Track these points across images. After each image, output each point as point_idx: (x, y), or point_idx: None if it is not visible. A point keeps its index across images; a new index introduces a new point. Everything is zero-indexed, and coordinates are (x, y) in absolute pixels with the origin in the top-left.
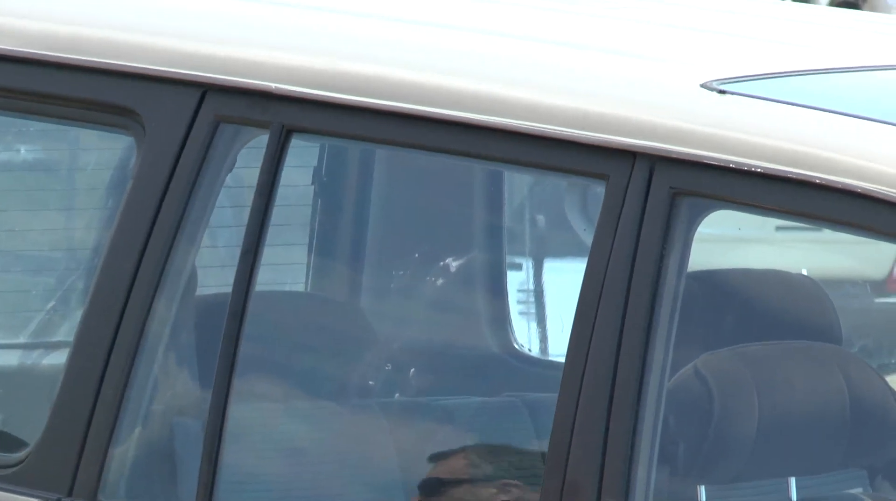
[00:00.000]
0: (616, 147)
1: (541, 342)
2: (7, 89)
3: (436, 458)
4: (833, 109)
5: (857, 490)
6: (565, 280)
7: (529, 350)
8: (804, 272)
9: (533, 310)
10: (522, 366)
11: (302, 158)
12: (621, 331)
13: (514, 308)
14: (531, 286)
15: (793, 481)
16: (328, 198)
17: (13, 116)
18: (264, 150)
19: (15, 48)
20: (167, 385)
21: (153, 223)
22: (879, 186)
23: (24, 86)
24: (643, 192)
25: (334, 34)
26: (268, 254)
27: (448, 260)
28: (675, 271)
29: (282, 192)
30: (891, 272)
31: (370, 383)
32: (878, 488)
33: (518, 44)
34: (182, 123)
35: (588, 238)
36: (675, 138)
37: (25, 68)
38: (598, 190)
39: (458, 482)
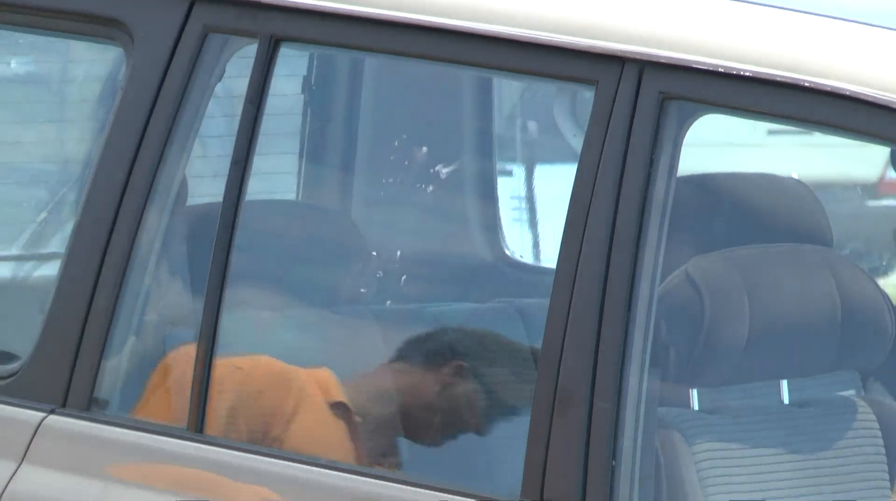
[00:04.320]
0: (605, 52)
1: (532, 247)
2: None
3: (428, 364)
4: (821, 12)
5: (850, 392)
6: (556, 186)
7: (521, 256)
8: (795, 176)
9: (524, 216)
10: (514, 272)
11: (291, 67)
12: (612, 236)
13: (506, 215)
14: (522, 193)
15: (784, 383)
16: (318, 107)
17: (3, 29)
18: (253, 59)
19: None
20: (159, 296)
21: (143, 134)
22: (868, 89)
23: None
24: (632, 96)
25: None
26: (258, 163)
27: (439, 167)
28: (664, 176)
29: (271, 101)
30: (882, 175)
31: (362, 290)
32: (869, 389)
33: None
34: (170, 33)
35: (578, 143)
36: (663, 43)
37: None
38: (588, 95)
39: (450, 387)
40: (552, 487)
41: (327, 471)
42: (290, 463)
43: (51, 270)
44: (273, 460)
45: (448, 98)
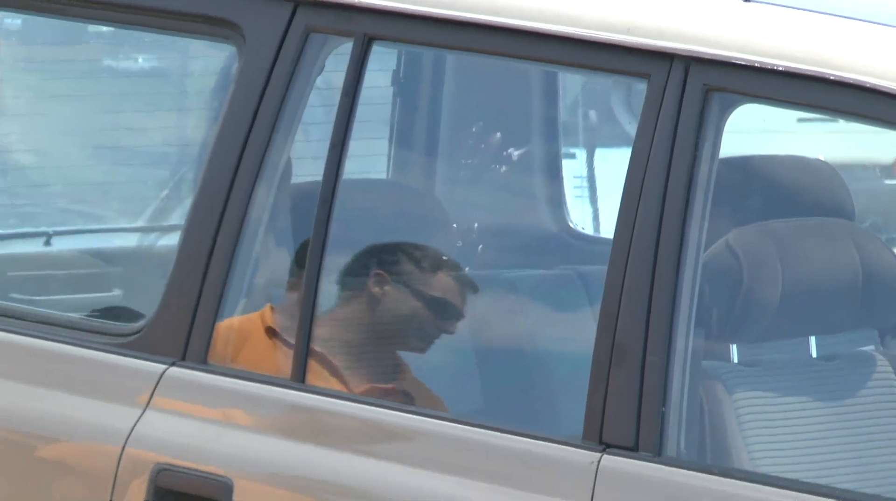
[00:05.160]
0: (656, 50)
1: (592, 221)
2: (127, 6)
3: (501, 322)
4: (847, 15)
5: (869, 348)
6: (613, 167)
7: (583, 229)
8: (821, 158)
9: (585, 193)
10: (577, 243)
11: (382, 62)
12: (662, 210)
13: (570, 192)
14: (584, 173)
15: (813, 339)
16: (405, 97)
17: (132, 29)
18: (349, 56)
19: None
20: (267, 263)
21: (253, 121)
22: (885, 81)
23: (141, 2)
24: (680, 89)
25: None
26: (353, 147)
27: (511, 151)
28: (708, 158)
29: (365, 92)
30: None
31: (444, 258)
32: (887, 345)
33: None
34: (277, 33)
35: (632, 130)
36: (707, 42)
37: None
38: (641, 87)
39: (519, 342)
40: (610, 430)
41: (426, 419)
42: (394, 412)
43: (172, 240)
44: (371, 407)
45: (519, 90)
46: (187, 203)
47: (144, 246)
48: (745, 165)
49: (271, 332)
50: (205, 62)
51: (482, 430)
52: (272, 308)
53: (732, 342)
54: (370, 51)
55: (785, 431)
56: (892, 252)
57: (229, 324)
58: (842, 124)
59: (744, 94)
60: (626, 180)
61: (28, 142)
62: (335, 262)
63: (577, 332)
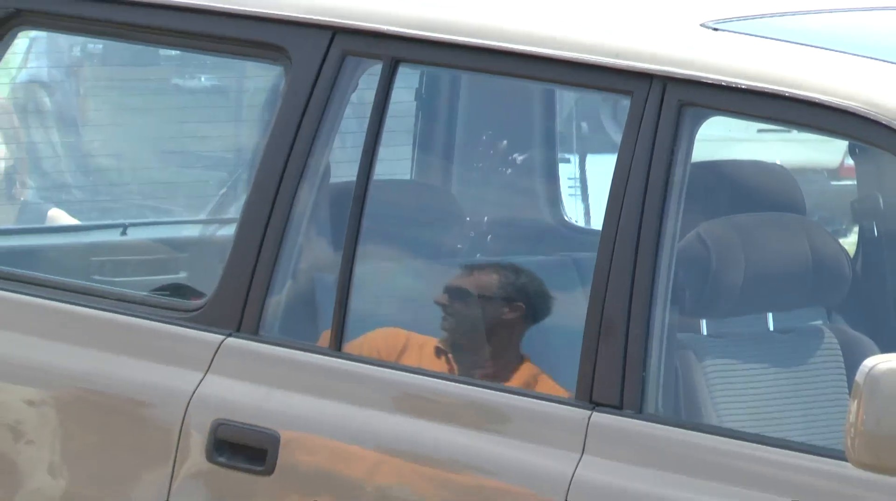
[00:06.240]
0: (638, 71)
1: (584, 215)
2: (192, 33)
3: (507, 300)
4: (799, 41)
5: (818, 322)
6: (601, 170)
7: (576, 222)
8: (778, 163)
9: (578, 193)
10: (571, 234)
11: (407, 81)
12: (643, 206)
13: (565, 191)
14: (577, 175)
15: (770, 315)
16: (426, 111)
17: (196, 53)
18: (379, 76)
19: (198, 1)
20: (309, 250)
21: (298, 130)
22: (833, 97)
23: (204, 30)
24: (658, 104)
25: None
26: (382, 152)
27: (515, 156)
28: (682, 162)
29: (392, 107)
30: (842, 162)
31: (458, 246)
32: (833, 320)
33: None
34: (318, 56)
35: (618, 138)
36: (681, 64)
37: (205, 17)
38: (625, 103)
39: (520, 318)
40: (598, 391)
41: (442, 382)
42: (415, 376)
43: (229, 230)
44: (389, 370)
45: (522, 105)
46: (242, 199)
47: (206, 236)
48: (713, 169)
49: (439, 351)
50: (257, 81)
51: (490, 390)
52: None
53: (702, 318)
54: (397, 71)
55: (746, 392)
56: (838, 242)
57: (395, 333)
58: (795, 134)
59: (712, 108)
60: (612, 181)
61: (108, 148)
62: (369, 251)
63: (571, 308)
